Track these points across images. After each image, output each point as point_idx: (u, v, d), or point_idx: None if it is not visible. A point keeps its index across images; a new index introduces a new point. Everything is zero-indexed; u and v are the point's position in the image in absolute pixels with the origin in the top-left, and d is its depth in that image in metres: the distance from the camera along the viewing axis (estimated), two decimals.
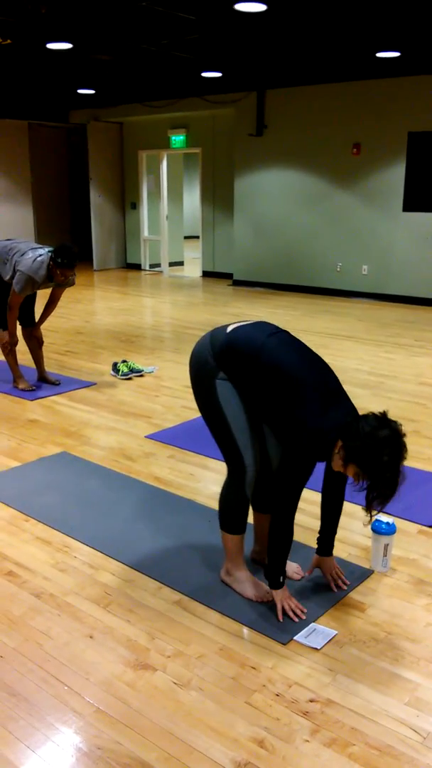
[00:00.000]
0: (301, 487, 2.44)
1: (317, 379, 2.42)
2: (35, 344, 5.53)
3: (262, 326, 2.57)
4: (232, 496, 2.65)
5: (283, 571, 2.56)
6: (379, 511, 2.31)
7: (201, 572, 2.87)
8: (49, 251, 5.02)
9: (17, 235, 12.61)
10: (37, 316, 5.52)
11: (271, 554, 2.53)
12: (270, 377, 2.41)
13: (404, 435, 2.26)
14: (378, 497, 2.25)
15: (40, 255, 4.96)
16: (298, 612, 2.55)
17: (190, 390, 5.38)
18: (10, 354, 5.27)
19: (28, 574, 2.85)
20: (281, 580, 2.56)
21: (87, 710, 2.11)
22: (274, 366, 2.41)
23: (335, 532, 2.74)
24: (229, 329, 2.57)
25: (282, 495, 2.45)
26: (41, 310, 5.49)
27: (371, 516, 2.33)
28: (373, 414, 2.30)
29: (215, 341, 2.56)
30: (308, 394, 2.36)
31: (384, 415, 2.29)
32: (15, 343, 5.28)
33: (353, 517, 3.35)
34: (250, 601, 2.65)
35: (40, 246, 5.14)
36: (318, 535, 2.77)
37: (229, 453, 2.60)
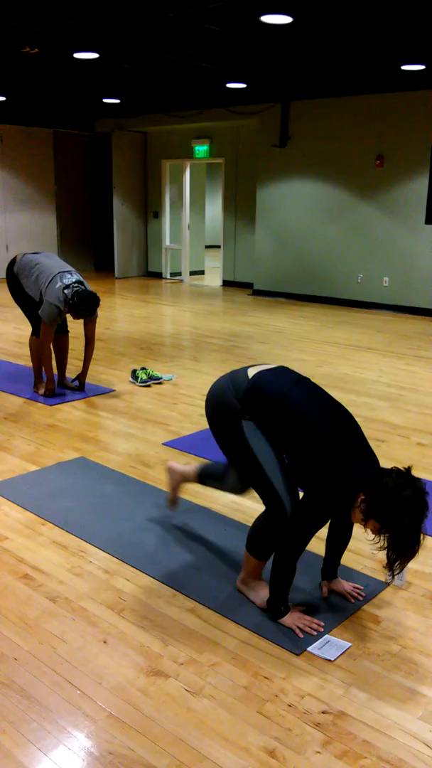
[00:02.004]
0: (313, 532, 2.45)
1: (341, 429, 2.41)
2: (63, 350, 5.58)
3: (284, 372, 2.58)
4: (267, 531, 2.60)
5: (285, 601, 2.57)
6: (400, 571, 2.32)
7: (216, 580, 2.87)
8: (74, 285, 4.96)
9: (41, 242, 12.74)
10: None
11: (274, 586, 2.55)
12: (295, 425, 2.41)
13: (427, 494, 2.23)
14: (398, 558, 2.26)
15: (66, 288, 4.94)
16: (315, 626, 2.55)
17: None
18: (43, 358, 5.24)
19: (44, 577, 2.87)
20: (282, 609, 2.56)
21: (99, 715, 2.12)
22: (300, 415, 2.41)
23: (339, 563, 2.78)
24: (251, 373, 2.57)
25: (293, 535, 2.45)
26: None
27: (393, 576, 2.33)
28: (397, 469, 2.29)
29: (238, 384, 2.55)
30: (332, 444, 2.36)
31: (408, 471, 2.28)
32: (53, 389, 5.30)
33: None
34: (264, 610, 2.65)
35: (68, 271, 5.07)
36: (322, 564, 2.80)
37: (267, 496, 2.55)
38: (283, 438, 2.47)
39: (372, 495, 2.24)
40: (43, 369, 5.29)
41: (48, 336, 5.13)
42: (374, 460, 2.44)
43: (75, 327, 5.96)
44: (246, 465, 2.56)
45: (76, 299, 4.92)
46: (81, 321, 5.30)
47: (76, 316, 5.04)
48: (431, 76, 8.47)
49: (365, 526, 2.31)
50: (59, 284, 4.95)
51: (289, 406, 2.43)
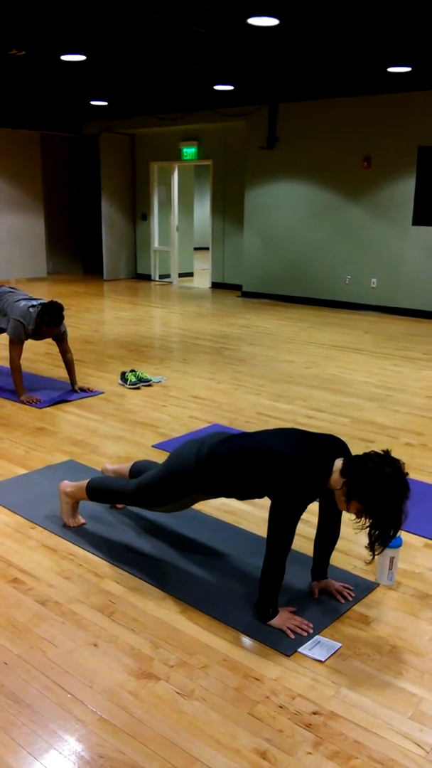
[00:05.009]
0: (293, 526, 2.47)
1: (294, 434, 2.57)
2: (69, 361, 5.59)
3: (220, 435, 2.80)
4: (115, 490, 3.01)
5: (274, 603, 2.57)
6: (381, 551, 2.33)
7: (206, 582, 2.86)
8: (40, 304, 5.20)
9: (29, 245, 12.72)
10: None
11: (263, 588, 2.56)
12: (249, 449, 2.58)
13: (407, 474, 2.30)
14: (380, 536, 2.30)
15: (32, 307, 5.17)
16: (305, 627, 2.55)
17: (197, 400, 5.41)
18: (14, 373, 5.32)
19: (34, 581, 2.86)
20: (270, 612, 2.57)
21: (90, 718, 2.11)
22: (262, 446, 2.55)
23: (328, 563, 2.80)
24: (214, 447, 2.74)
25: (275, 534, 2.48)
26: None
27: (374, 555, 2.35)
28: (376, 452, 2.36)
29: (203, 450, 2.71)
30: (287, 441, 2.50)
31: (387, 453, 2.34)
32: (36, 400, 5.31)
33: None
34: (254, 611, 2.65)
35: (35, 299, 5.34)
36: (312, 565, 2.81)
37: (146, 482, 2.85)
38: (241, 474, 2.57)
39: (353, 476, 2.30)
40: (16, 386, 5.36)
41: (16, 353, 5.26)
42: (341, 447, 2.52)
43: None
44: (166, 473, 2.79)
45: (40, 308, 5.12)
46: (67, 369, 5.51)
47: (44, 332, 5.18)
48: (417, 78, 8.52)
49: (348, 508, 2.35)
50: (24, 303, 5.21)
51: (253, 442, 2.61)
